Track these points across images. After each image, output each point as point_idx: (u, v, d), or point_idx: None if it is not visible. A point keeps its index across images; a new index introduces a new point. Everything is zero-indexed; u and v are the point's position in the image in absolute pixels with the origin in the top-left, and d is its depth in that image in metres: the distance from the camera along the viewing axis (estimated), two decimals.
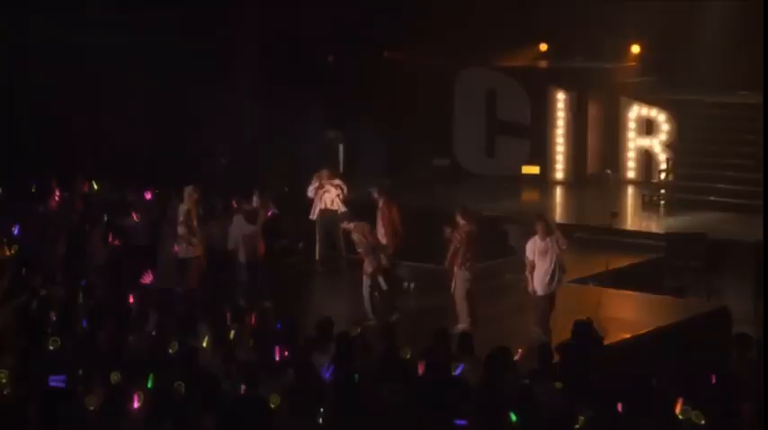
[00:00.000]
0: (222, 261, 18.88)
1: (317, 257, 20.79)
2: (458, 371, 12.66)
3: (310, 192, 20.71)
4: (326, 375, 12.10)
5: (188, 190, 18.55)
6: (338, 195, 20.57)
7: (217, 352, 13.05)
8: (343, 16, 26.91)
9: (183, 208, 18.51)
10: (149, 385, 11.67)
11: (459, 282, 17.18)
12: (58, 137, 24.09)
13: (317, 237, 20.74)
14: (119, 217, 20.07)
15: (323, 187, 20.60)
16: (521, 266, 17.53)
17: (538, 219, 17.37)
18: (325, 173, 20.81)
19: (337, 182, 20.76)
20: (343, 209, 20.48)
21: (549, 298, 16.95)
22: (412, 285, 19.48)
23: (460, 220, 17.31)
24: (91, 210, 20.56)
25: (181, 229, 18.39)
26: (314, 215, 20.68)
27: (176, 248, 18.55)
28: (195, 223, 18.45)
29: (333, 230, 20.48)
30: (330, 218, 20.51)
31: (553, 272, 16.83)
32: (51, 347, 12.55)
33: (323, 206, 20.59)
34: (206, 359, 12.73)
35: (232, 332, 13.80)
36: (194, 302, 15.31)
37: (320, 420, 10.97)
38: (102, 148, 24.22)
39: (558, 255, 16.84)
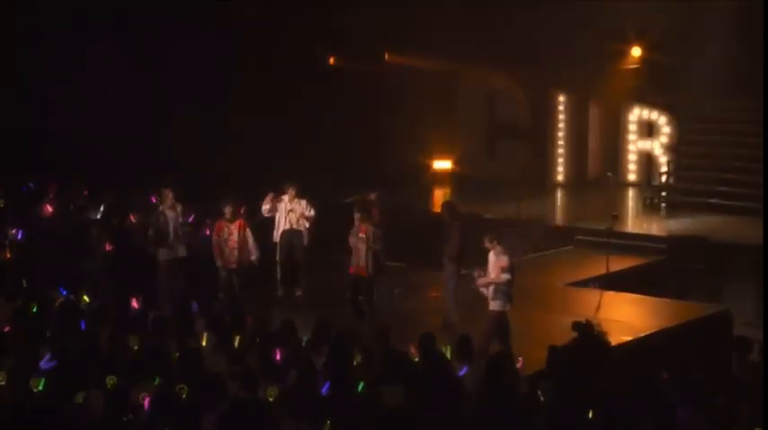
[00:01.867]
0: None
1: (278, 280, 19.28)
2: (462, 373, 12.69)
3: (265, 211, 19.19)
4: (324, 391, 12.04)
5: (164, 192, 18.51)
6: (305, 216, 19.11)
7: (220, 354, 13.06)
8: (343, 18, 26.95)
9: (156, 210, 18.55)
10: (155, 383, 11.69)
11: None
12: (58, 139, 24.11)
13: (278, 259, 19.22)
14: (118, 219, 20.09)
15: (287, 205, 19.09)
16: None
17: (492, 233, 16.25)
18: (291, 191, 19.17)
19: (303, 202, 19.19)
20: (307, 227, 19.20)
21: (496, 317, 15.76)
22: (396, 291, 19.48)
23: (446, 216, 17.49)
24: (88, 213, 20.60)
25: (150, 231, 18.42)
26: (276, 237, 19.19)
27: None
28: (168, 226, 18.26)
29: (296, 252, 19.21)
30: (294, 238, 19.16)
31: (494, 290, 15.78)
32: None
33: (287, 226, 19.13)
34: (208, 360, 12.74)
35: (237, 336, 13.81)
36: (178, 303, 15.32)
37: None
38: (103, 152, 24.24)
39: (495, 277, 15.73)
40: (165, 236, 18.27)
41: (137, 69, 25.01)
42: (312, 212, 19.15)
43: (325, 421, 10.96)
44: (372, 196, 19.93)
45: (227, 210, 18.23)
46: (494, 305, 15.79)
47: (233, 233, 18.18)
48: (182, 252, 18.46)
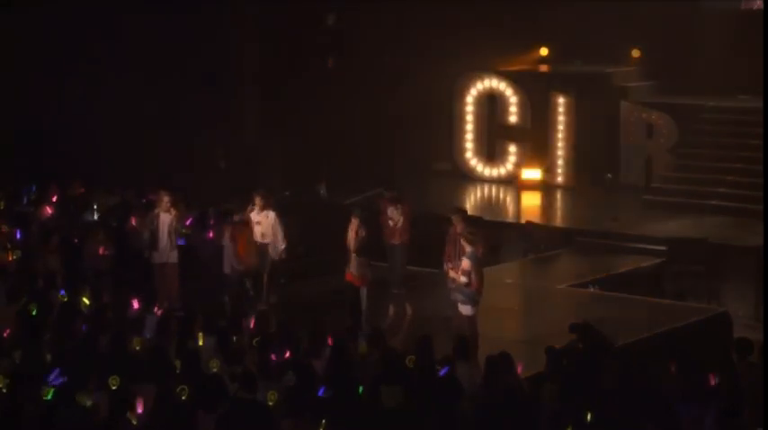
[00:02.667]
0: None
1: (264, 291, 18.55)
2: (443, 373, 12.66)
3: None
4: (320, 393, 12.03)
5: (160, 194, 18.34)
6: (273, 230, 18.41)
7: (220, 356, 13.06)
8: (343, 20, 26.95)
9: (151, 213, 18.47)
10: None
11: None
12: (55, 142, 24.09)
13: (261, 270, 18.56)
14: (117, 221, 20.08)
15: (254, 217, 18.41)
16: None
17: (471, 233, 16.16)
18: (258, 200, 18.43)
19: (272, 214, 18.45)
20: (281, 243, 18.47)
21: (470, 322, 15.63)
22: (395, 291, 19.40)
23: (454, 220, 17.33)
24: (84, 214, 20.60)
25: (146, 234, 18.39)
26: None
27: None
28: (160, 230, 18.13)
29: (262, 266, 18.49)
30: (261, 251, 18.42)
31: (456, 290, 15.62)
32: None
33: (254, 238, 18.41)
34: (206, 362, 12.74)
35: (234, 337, 13.82)
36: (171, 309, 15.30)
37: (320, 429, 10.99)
38: (104, 153, 24.23)
39: (455, 275, 15.61)
40: (156, 239, 18.18)
41: (138, 71, 25.00)
42: (280, 230, 18.38)
43: (320, 421, 10.96)
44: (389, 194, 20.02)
45: (239, 215, 18.01)
46: (461, 308, 15.64)
47: (244, 237, 17.95)
48: (173, 258, 18.23)
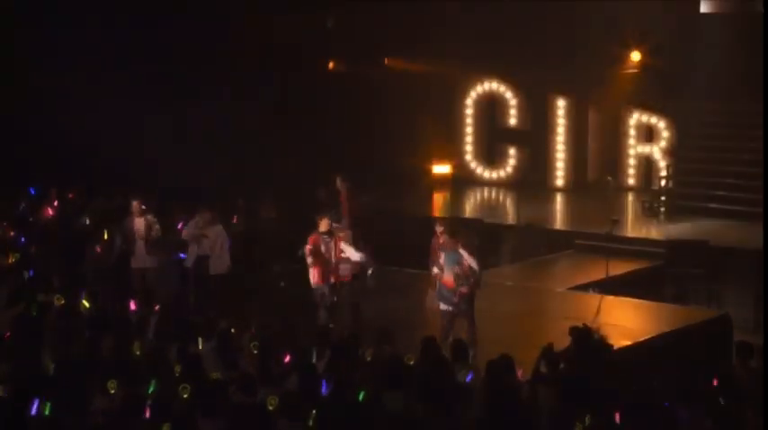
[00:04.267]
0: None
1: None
2: (468, 379, 12.70)
3: (185, 235, 18.54)
4: (323, 390, 12.04)
5: (133, 201, 18.55)
6: (220, 244, 18.31)
7: (220, 358, 13.05)
8: (343, 23, 26.97)
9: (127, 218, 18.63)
10: (150, 391, 11.68)
11: None
12: (54, 144, 24.07)
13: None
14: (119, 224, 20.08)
15: (201, 230, 18.37)
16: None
17: (440, 223, 16.83)
18: (206, 215, 18.38)
19: (219, 228, 18.44)
20: (225, 258, 18.35)
21: (450, 316, 16.02)
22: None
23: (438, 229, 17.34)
24: (83, 217, 20.61)
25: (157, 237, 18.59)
26: (189, 262, 18.52)
27: None
28: (136, 235, 18.36)
29: (208, 280, 18.34)
30: (204, 265, 18.35)
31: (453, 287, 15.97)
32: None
33: (201, 252, 18.35)
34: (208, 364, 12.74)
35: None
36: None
37: (310, 422, 10.97)
38: (103, 157, 24.21)
39: (464, 269, 15.92)
40: (131, 244, 18.43)
41: (137, 72, 25.00)
42: (227, 244, 18.27)
43: (308, 415, 10.95)
44: (338, 180, 20.18)
45: (324, 223, 17.18)
46: (444, 305, 16.18)
47: (331, 245, 17.12)
48: (151, 262, 18.42)
